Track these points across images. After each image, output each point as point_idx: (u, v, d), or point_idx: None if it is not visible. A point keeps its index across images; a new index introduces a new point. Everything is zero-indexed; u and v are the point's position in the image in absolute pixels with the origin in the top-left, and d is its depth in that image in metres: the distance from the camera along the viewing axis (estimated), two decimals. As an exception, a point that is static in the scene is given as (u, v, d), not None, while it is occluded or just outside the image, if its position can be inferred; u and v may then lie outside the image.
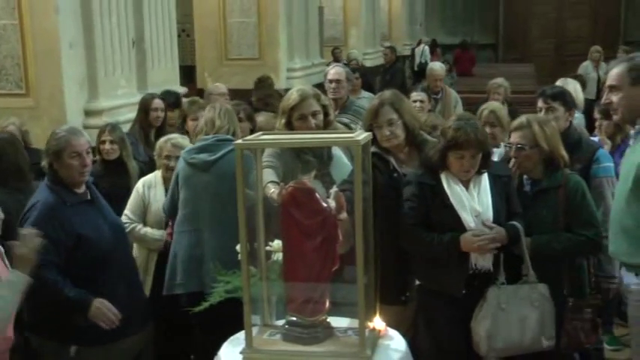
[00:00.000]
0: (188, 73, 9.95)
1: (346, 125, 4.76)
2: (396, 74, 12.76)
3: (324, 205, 2.55)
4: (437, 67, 7.68)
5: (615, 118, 3.38)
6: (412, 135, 3.67)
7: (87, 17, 5.81)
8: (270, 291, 2.77)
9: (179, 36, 8.48)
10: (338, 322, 2.69)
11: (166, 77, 7.04)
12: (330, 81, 5.53)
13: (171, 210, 4.12)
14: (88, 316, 3.35)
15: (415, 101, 5.80)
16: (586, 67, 11.56)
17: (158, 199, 4.38)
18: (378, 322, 2.73)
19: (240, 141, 2.65)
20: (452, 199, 3.36)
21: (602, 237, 3.52)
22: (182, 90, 7.29)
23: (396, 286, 3.59)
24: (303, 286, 2.57)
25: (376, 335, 2.69)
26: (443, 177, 3.40)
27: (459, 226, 3.34)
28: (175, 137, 4.57)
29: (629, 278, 3.23)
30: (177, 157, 4.28)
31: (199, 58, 10.11)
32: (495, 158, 3.83)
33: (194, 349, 4.25)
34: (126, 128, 5.39)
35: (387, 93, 3.77)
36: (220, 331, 2.93)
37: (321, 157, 3.59)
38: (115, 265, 3.52)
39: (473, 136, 3.30)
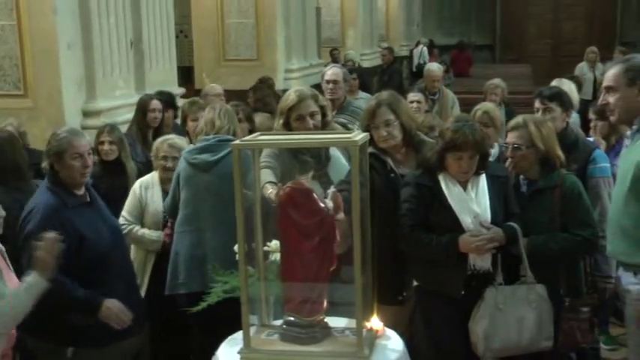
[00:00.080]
0: (186, 74, 9.93)
1: (344, 126, 4.75)
2: (393, 75, 12.75)
3: (322, 205, 2.55)
4: (434, 67, 7.69)
5: (612, 119, 3.39)
6: (409, 136, 3.67)
7: (85, 18, 5.81)
8: (267, 291, 2.77)
9: (177, 37, 8.47)
10: (335, 322, 2.69)
11: (164, 78, 7.03)
12: (328, 82, 5.52)
13: (172, 210, 4.12)
14: (99, 317, 3.34)
15: (412, 102, 5.78)
16: (582, 67, 11.55)
17: (155, 200, 4.38)
18: (375, 322, 2.73)
19: (237, 141, 2.65)
20: (450, 201, 3.37)
21: (599, 237, 3.53)
22: (180, 91, 7.29)
23: (394, 286, 3.60)
24: (300, 286, 2.57)
25: (374, 335, 2.69)
26: (441, 178, 3.41)
27: (457, 227, 3.34)
28: (172, 138, 4.57)
29: (627, 278, 3.24)
30: (174, 158, 4.29)
31: (197, 59, 10.12)
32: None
33: (192, 349, 4.25)
34: (124, 129, 5.39)
35: (385, 94, 3.78)
36: (218, 331, 2.93)
37: (318, 157, 3.60)
38: (114, 267, 3.51)
39: (471, 138, 3.31)
